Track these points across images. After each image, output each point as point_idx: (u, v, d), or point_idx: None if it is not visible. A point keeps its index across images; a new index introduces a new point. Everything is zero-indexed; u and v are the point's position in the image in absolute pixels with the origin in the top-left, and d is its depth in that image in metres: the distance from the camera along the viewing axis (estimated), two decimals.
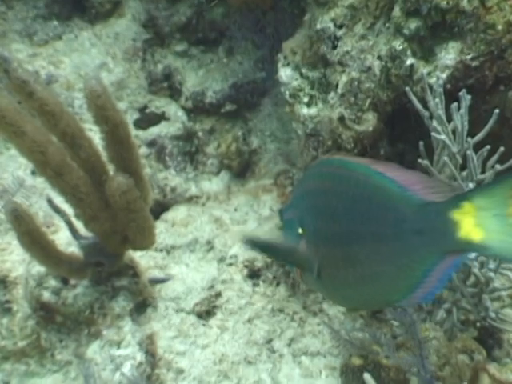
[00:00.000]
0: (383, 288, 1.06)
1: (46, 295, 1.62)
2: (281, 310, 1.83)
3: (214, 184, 2.14)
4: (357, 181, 1.07)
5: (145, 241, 1.54)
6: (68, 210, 1.56)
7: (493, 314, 1.29)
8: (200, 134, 2.21)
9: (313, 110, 1.58)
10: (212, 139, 2.22)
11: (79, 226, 1.58)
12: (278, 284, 1.88)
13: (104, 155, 1.48)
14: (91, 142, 1.47)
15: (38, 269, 1.63)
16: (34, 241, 1.46)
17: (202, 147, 2.20)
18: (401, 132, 1.60)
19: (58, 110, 1.38)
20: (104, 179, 1.47)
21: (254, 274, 1.89)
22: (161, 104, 2.22)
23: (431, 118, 1.32)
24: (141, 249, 1.61)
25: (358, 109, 1.49)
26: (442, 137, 1.21)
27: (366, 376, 0.86)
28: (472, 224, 0.94)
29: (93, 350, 1.59)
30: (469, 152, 1.20)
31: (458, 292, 1.35)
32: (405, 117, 1.56)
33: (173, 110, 2.20)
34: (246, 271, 1.88)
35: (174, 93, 2.26)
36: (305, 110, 1.60)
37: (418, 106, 1.32)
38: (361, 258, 1.07)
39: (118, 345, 1.59)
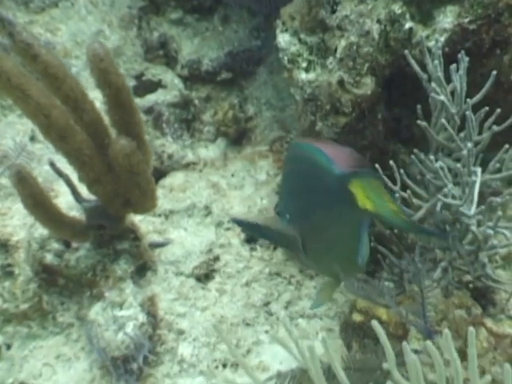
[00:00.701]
0: (344, 252, 1.21)
1: (49, 258, 1.65)
2: (278, 274, 1.87)
3: (210, 151, 2.16)
4: (305, 160, 1.23)
5: (147, 203, 1.56)
6: (71, 175, 1.59)
7: (490, 271, 1.33)
8: (196, 101, 2.23)
9: (311, 75, 1.60)
10: (208, 107, 2.24)
11: (81, 189, 1.61)
12: (274, 248, 1.91)
13: (106, 119, 1.50)
14: (94, 105, 1.48)
15: (41, 232, 1.65)
16: (38, 203, 1.48)
17: (199, 115, 2.22)
18: (398, 97, 1.62)
19: (61, 74, 1.39)
20: (107, 143, 1.49)
21: (251, 239, 1.92)
22: (157, 72, 2.23)
23: (429, 80, 1.34)
24: (142, 212, 1.64)
25: (356, 73, 1.51)
26: (442, 97, 1.24)
27: (374, 322, 0.90)
28: (364, 196, 1.14)
29: (95, 312, 1.62)
30: (468, 112, 1.23)
31: (454, 251, 1.38)
32: (402, 82, 1.58)
33: (169, 77, 2.21)
34: (243, 235, 1.91)
35: (170, 61, 2.27)
36: (303, 75, 1.61)
37: (417, 68, 1.34)
38: (320, 229, 1.23)
39: (121, 306, 1.62)
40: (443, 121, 1.23)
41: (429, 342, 0.83)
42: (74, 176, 1.57)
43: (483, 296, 1.47)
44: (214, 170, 2.09)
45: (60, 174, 1.57)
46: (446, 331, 0.82)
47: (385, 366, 0.89)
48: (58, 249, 1.65)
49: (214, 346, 1.71)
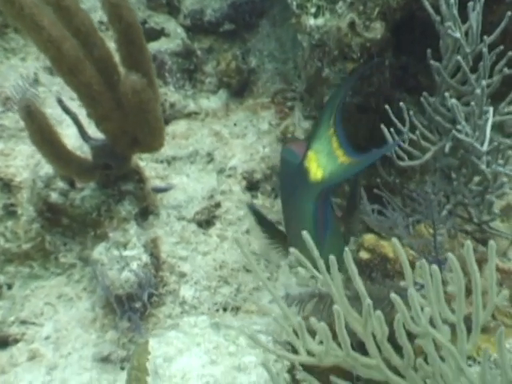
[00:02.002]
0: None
1: (54, 196, 1.65)
2: (279, 222, 1.87)
3: (212, 102, 2.16)
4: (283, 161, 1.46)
5: (154, 142, 1.57)
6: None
7: (496, 211, 1.35)
8: (198, 52, 2.22)
9: (320, 21, 1.59)
10: (210, 58, 2.23)
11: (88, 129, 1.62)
12: (276, 196, 1.92)
13: (115, 58, 1.51)
14: (104, 41, 1.48)
15: (46, 171, 1.65)
16: (46, 139, 1.47)
17: (201, 66, 2.21)
18: (405, 45, 1.63)
19: (73, 7, 1.39)
20: (116, 80, 1.49)
21: (252, 186, 1.93)
22: (160, 20, 2.21)
23: (442, 23, 1.35)
24: (149, 151, 1.64)
25: (366, 17, 1.51)
26: (457, 35, 1.25)
27: (394, 240, 0.91)
28: (315, 167, 1.26)
29: (99, 252, 1.63)
30: (484, 49, 1.24)
31: (459, 195, 1.40)
32: (411, 28, 1.59)
33: (172, 26, 2.19)
34: (244, 183, 1.92)
35: (172, 10, 2.25)
36: (311, 21, 1.61)
37: (430, 9, 1.35)
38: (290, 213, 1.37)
39: (125, 246, 1.63)
40: (458, 58, 1.24)
41: (450, 254, 0.84)
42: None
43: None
44: (216, 119, 2.09)
45: (67, 111, 1.57)
46: (468, 242, 0.83)
47: (402, 284, 0.91)
48: (63, 188, 1.65)
49: (215, 289, 1.72)
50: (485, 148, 1.21)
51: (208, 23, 2.22)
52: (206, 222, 1.84)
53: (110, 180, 1.65)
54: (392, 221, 1.26)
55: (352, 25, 1.48)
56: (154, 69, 1.53)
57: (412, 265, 1.32)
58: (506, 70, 1.29)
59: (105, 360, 1.58)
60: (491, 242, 0.85)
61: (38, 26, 1.33)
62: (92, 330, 1.64)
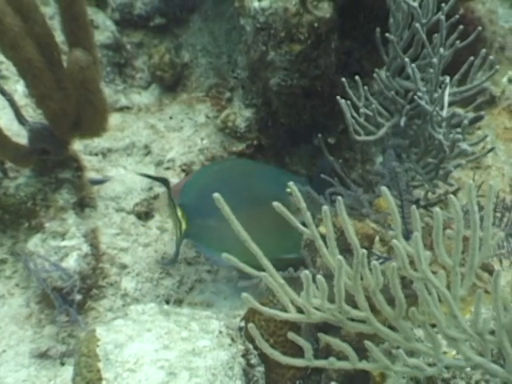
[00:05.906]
0: None
1: None
2: None
3: (144, 97, 2.09)
4: None
5: (97, 124, 1.50)
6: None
7: (453, 182, 1.36)
8: (128, 46, 2.15)
9: (265, 3, 1.57)
10: (140, 53, 2.17)
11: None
12: None
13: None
14: (45, 18, 1.42)
15: None
16: None
17: (131, 60, 2.14)
18: (349, 30, 1.63)
19: None
20: (57, 59, 1.43)
21: None
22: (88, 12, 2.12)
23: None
24: (91, 135, 1.56)
25: None
26: (415, 4, 1.25)
27: (384, 189, 0.89)
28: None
29: (34, 243, 1.55)
30: (442, 17, 1.25)
31: (412, 171, 1.41)
32: (354, 14, 1.61)
33: (101, 18, 2.12)
34: (183, 175, 1.87)
35: (100, 2, 2.17)
36: (256, 4, 1.58)
37: None
38: None
39: (63, 236, 1.55)
40: (417, 25, 1.24)
41: (451, 197, 0.83)
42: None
43: None
44: (149, 114, 2.03)
45: (3, 92, 1.49)
46: (471, 182, 0.81)
47: (391, 233, 0.88)
48: None
49: (157, 281, 1.67)
50: (444, 114, 1.22)
51: (138, 17, 2.15)
52: (144, 213, 1.77)
53: (46, 167, 1.56)
54: (355, 198, 1.24)
55: (303, 1, 1.46)
56: (97, 48, 1.47)
57: (371, 239, 1.31)
58: (458, 44, 1.31)
59: (43, 356, 1.50)
60: (490, 183, 0.84)
61: None
62: (28, 326, 1.55)
